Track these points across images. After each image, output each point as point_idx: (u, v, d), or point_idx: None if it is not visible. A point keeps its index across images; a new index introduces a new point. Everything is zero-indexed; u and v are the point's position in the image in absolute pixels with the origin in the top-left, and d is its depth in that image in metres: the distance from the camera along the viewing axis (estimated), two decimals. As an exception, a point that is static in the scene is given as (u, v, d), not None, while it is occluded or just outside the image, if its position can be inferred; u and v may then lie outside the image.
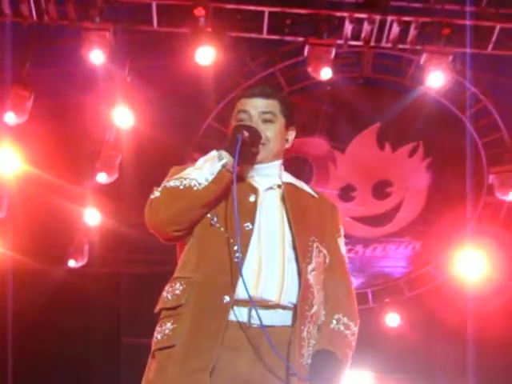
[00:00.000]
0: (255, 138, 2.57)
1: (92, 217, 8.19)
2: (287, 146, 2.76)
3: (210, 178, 2.51)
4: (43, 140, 7.47)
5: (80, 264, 8.49)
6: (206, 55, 6.91)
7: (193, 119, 7.92)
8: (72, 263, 8.41)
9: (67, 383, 8.13)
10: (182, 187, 2.51)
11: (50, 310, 8.17)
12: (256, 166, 2.66)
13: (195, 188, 2.50)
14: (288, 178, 2.74)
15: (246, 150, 2.54)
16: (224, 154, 2.53)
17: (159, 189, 2.57)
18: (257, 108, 2.66)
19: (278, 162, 2.72)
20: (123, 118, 7.32)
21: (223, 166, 2.51)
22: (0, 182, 7.81)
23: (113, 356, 8.07)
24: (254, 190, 2.63)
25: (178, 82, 7.40)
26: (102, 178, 7.87)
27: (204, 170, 2.53)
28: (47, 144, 7.48)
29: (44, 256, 8.50)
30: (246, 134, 2.52)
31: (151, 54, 7.38)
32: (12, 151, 7.57)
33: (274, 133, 2.67)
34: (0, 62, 7.02)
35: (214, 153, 2.58)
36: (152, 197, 2.57)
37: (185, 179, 2.53)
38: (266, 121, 2.66)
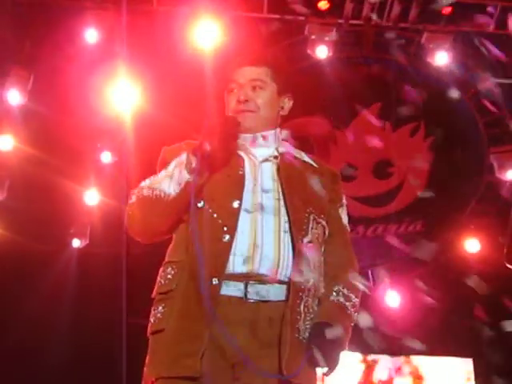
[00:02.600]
0: (229, 128, 2.52)
1: (92, 197, 8.19)
2: (282, 113, 2.72)
3: (178, 189, 2.48)
4: (43, 120, 7.46)
5: (83, 244, 8.50)
6: (206, 34, 6.90)
7: (194, 99, 7.89)
8: (76, 243, 8.42)
9: (71, 363, 8.13)
10: (153, 198, 2.50)
11: (52, 291, 8.17)
12: (247, 135, 2.63)
13: (165, 199, 2.48)
14: (286, 148, 2.69)
15: (219, 146, 2.48)
16: (193, 158, 2.48)
17: (136, 193, 2.57)
18: (245, 76, 2.63)
19: (274, 131, 2.68)
20: (124, 98, 7.30)
21: (190, 175, 2.47)
22: (0, 163, 7.80)
23: (116, 337, 8.08)
24: (242, 163, 2.59)
25: (178, 62, 7.36)
26: (107, 157, 7.88)
27: (173, 179, 2.49)
28: (47, 124, 7.46)
29: (45, 238, 8.49)
30: (207, 146, 2.45)
31: (152, 33, 7.35)
32: (12, 132, 7.55)
33: (264, 99, 2.63)
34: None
35: (183, 157, 2.53)
36: (130, 202, 2.58)
37: (155, 189, 2.51)
38: (255, 88, 2.63)
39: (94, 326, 8.14)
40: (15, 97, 7.20)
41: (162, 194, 2.48)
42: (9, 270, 8.04)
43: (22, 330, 8.04)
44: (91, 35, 6.90)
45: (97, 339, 8.18)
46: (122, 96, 7.30)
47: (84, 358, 8.15)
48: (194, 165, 2.47)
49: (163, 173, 2.55)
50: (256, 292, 2.44)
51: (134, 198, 2.56)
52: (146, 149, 6.94)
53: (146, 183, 2.57)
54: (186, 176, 2.47)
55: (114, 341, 7.92)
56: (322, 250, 2.60)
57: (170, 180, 2.50)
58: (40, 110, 7.40)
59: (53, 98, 7.45)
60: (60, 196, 8.16)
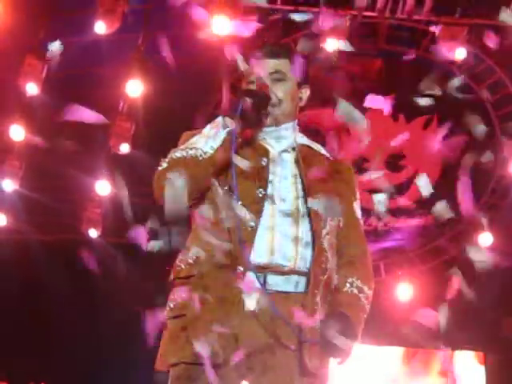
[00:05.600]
0: (262, 101, 2.52)
1: (103, 187, 8.20)
2: (301, 104, 2.72)
3: (216, 145, 2.47)
4: (55, 110, 7.45)
5: (99, 234, 8.52)
6: (220, 25, 6.88)
7: (207, 90, 7.88)
8: (93, 233, 8.42)
9: (79, 350, 8.16)
10: (188, 157, 2.47)
11: (63, 280, 8.20)
12: (269, 129, 2.61)
13: (201, 158, 2.46)
14: (303, 139, 2.70)
15: (252, 114, 2.48)
16: (228, 120, 2.50)
17: (166, 160, 2.53)
18: (266, 69, 2.62)
19: (292, 123, 2.68)
20: (136, 88, 7.30)
21: (228, 133, 2.47)
22: (14, 153, 7.82)
23: (124, 325, 8.10)
24: (266, 153, 2.59)
25: (192, 53, 7.36)
26: (124, 148, 7.87)
27: (209, 138, 2.49)
28: (59, 114, 7.45)
29: (57, 228, 8.52)
30: (248, 100, 2.46)
31: (165, 23, 7.34)
32: (24, 122, 7.57)
33: (285, 92, 2.63)
34: (14, 31, 6.99)
35: (219, 119, 2.55)
36: (159, 169, 2.52)
37: (190, 149, 2.49)
38: (276, 80, 2.62)
39: (108, 314, 8.17)
40: (30, 87, 7.20)
41: (199, 153, 2.46)
42: (21, 260, 8.07)
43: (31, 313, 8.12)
44: (100, 27, 6.89)
45: (105, 325, 8.20)
46: (134, 86, 7.29)
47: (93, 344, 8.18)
48: (229, 127, 2.47)
49: (197, 137, 2.54)
50: (275, 283, 2.45)
51: (164, 164, 2.51)
52: (156, 140, 6.95)
53: (175, 149, 2.54)
54: (223, 134, 2.48)
55: (123, 327, 7.95)
56: (336, 242, 2.61)
57: (206, 139, 2.49)
58: (52, 99, 7.41)
59: (65, 88, 7.46)
60: (71, 186, 8.17)
